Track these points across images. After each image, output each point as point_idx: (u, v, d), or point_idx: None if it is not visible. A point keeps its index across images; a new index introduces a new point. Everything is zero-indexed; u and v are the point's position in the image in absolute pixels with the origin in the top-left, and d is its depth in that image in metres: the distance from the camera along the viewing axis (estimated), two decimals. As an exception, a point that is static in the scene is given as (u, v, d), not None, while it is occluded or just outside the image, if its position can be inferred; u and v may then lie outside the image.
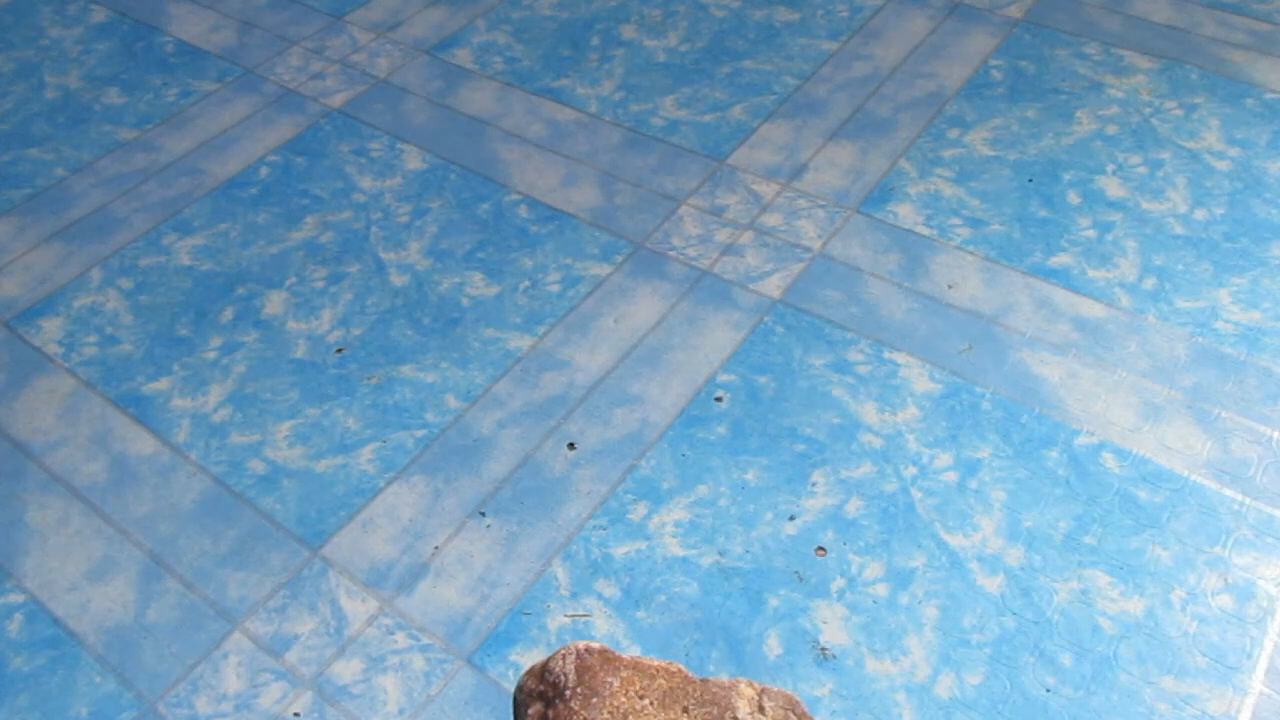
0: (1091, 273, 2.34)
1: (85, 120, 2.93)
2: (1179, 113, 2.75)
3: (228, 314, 2.37)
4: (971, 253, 2.40)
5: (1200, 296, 2.28)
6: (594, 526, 1.94)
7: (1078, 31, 3.02)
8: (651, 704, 1.42)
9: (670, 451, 2.05)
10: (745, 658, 1.75)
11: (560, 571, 1.87)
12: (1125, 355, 2.17)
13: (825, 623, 1.79)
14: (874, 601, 1.81)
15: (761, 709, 1.43)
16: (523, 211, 2.57)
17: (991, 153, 2.66)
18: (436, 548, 1.92)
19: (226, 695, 1.74)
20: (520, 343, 2.27)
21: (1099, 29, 3.02)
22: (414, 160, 2.74)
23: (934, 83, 2.88)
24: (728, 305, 2.31)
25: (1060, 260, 2.37)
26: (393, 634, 1.80)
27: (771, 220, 2.51)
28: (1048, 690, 1.69)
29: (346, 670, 1.76)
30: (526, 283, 2.40)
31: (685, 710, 1.42)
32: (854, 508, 1.94)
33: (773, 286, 2.35)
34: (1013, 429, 2.05)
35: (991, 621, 1.78)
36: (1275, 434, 2.02)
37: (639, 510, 1.96)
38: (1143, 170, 2.59)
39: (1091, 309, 2.27)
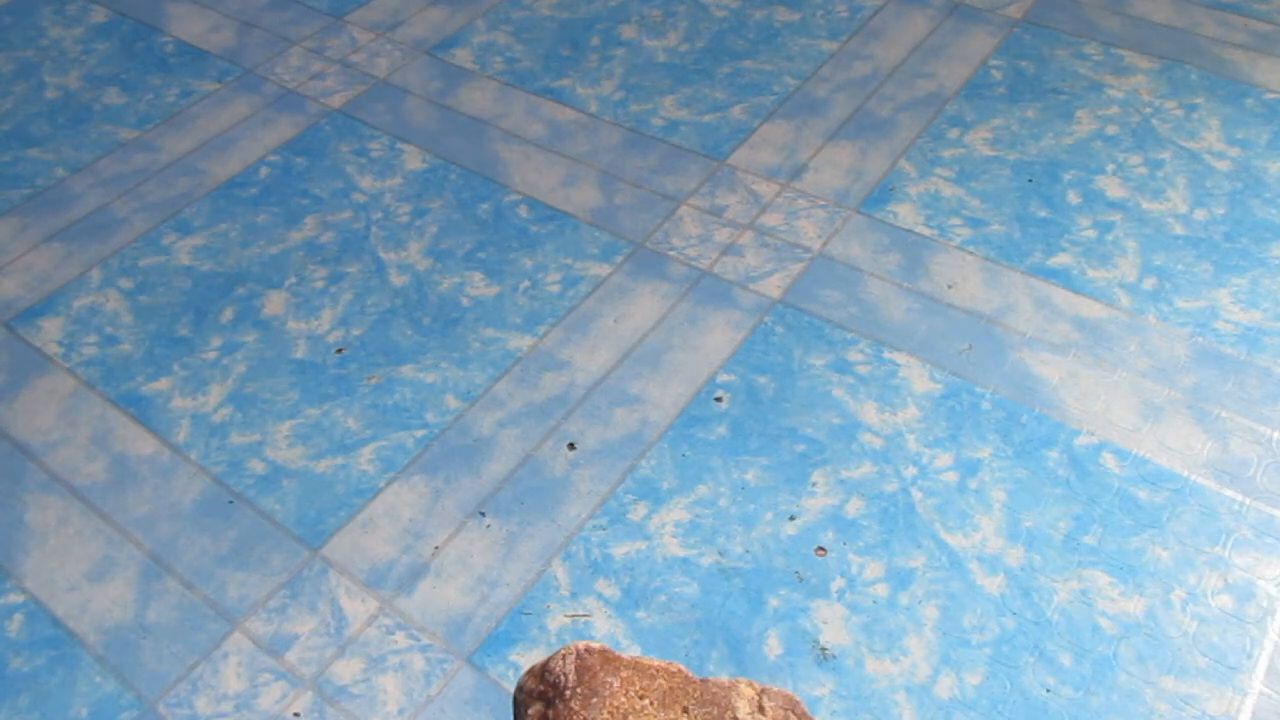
0: (1091, 273, 2.34)
1: (85, 120, 2.93)
2: (1179, 113, 2.75)
3: (228, 314, 2.37)
4: (971, 253, 2.40)
5: (1200, 296, 2.28)
6: (594, 526, 1.94)
7: (1078, 31, 3.02)
8: (651, 704, 1.42)
9: (670, 451, 2.05)
10: (745, 658, 1.75)
11: (560, 571, 1.87)
12: (1125, 355, 2.17)
13: (825, 623, 1.79)
14: (874, 601, 1.81)
15: (761, 709, 1.43)
16: (523, 211, 2.57)
17: (991, 153, 2.66)
18: (436, 548, 1.92)
19: (226, 695, 1.74)
20: (520, 343, 2.27)
21: (1099, 29, 3.02)
22: (414, 160, 2.74)
23: (934, 83, 2.88)
24: (728, 305, 2.31)
25: (1060, 260, 2.37)
26: (393, 634, 1.80)
27: (771, 220, 2.51)
28: (1048, 690, 1.69)
29: (346, 670, 1.76)
30: (526, 283, 2.40)
31: (685, 710, 1.42)
32: (854, 508, 1.94)
33: (773, 286, 2.35)
34: (1013, 429, 2.05)
35: (991, 621, 1.78)
36: (1275, 434, 2.02)
37: (639, 510, 1.96)
38: (1143, 170, 2.59)
39: (1091, 309, 2.27)
